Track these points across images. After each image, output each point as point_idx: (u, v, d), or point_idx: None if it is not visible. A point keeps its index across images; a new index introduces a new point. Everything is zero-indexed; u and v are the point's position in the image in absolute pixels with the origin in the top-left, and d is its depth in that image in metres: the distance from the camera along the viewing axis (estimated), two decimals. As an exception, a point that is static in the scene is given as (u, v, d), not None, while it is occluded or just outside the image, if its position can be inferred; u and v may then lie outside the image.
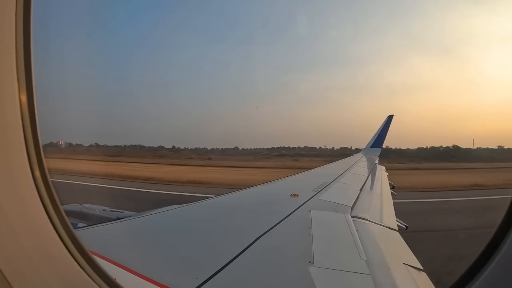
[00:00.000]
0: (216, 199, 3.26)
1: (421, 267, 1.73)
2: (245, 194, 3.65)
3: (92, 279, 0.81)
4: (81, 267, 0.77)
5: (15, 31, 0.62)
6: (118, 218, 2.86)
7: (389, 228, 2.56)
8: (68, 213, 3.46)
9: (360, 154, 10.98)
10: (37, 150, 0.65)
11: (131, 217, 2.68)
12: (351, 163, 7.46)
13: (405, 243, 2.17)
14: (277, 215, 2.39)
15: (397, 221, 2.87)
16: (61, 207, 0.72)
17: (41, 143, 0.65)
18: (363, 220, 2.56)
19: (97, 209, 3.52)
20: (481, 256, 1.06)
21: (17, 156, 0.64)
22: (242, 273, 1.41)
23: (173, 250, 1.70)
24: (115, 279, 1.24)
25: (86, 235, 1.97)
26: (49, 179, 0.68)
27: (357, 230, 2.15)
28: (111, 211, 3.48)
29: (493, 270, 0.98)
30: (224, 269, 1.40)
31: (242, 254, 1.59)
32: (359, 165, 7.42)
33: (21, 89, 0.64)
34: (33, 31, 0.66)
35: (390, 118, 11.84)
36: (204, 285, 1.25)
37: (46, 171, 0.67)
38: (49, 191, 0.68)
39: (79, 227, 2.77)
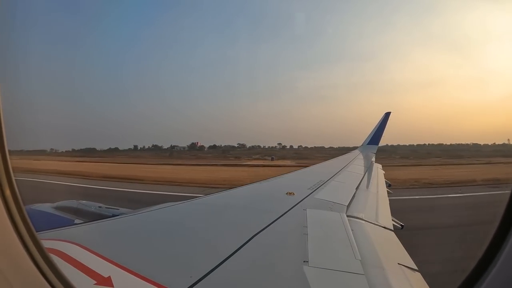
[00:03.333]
0: (211, 197, 3.26)
1: (415, 267, 1.73)
2: (240, 192, 3.65)
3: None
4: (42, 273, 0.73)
5: None
6: (113, 215, 2.85)
7: (384, 227, 2.56)
8: (64, 209, 3.46)
9: (356, 151, 10.98)
10: (2, 153, 0.61)
11: (126, 214, 2.67)
12: (348, 161, 7.46)
13: (400, 243, 2.17)
14: (272, 213, 2.38)
15: (392, 220, 2.87)
16: (24, 208, 0.68)
17: (6, 147, 0.61)
18: (358, 220, 2.56)
19: (93, 206, 3.51)
20: (486, 254, 1.03)
21: None
22: (237, 272, 1.40)
23: (168, 248, 1.70)
24: (109, 276, 1.22)
25: (82, 231, 1.97)
26: (14, 180, 0.64)
27: (352, 230, 2.15)
28: (106, 208, 3.47)
29: (499, 269, 0.95)
30: (218, 267, 1.40)
31: (237, 252, 1.59)
32: (356, 163, 7.42)
33: None
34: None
35: (387, 115, 11.82)
36: (198, 284, 1.24)
37: (11, 172, 0.63)
38: (13, 191, 0.64)
39: (75, 224, 2.77)
